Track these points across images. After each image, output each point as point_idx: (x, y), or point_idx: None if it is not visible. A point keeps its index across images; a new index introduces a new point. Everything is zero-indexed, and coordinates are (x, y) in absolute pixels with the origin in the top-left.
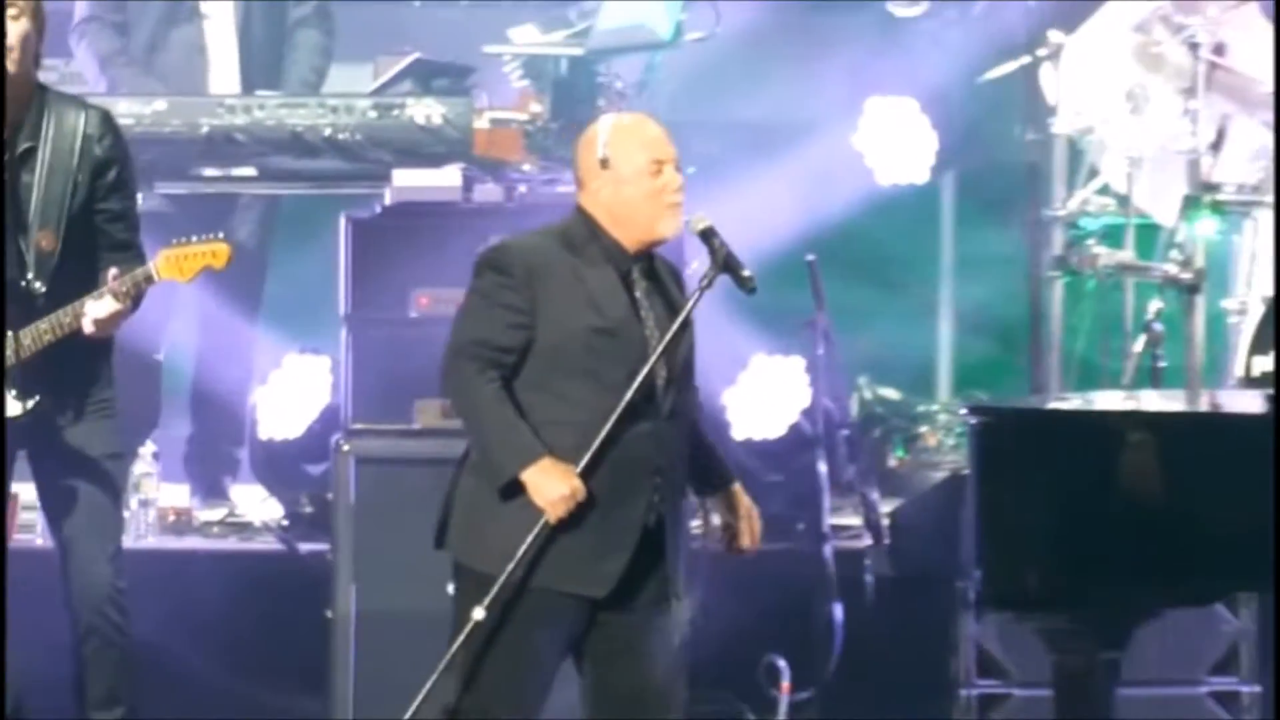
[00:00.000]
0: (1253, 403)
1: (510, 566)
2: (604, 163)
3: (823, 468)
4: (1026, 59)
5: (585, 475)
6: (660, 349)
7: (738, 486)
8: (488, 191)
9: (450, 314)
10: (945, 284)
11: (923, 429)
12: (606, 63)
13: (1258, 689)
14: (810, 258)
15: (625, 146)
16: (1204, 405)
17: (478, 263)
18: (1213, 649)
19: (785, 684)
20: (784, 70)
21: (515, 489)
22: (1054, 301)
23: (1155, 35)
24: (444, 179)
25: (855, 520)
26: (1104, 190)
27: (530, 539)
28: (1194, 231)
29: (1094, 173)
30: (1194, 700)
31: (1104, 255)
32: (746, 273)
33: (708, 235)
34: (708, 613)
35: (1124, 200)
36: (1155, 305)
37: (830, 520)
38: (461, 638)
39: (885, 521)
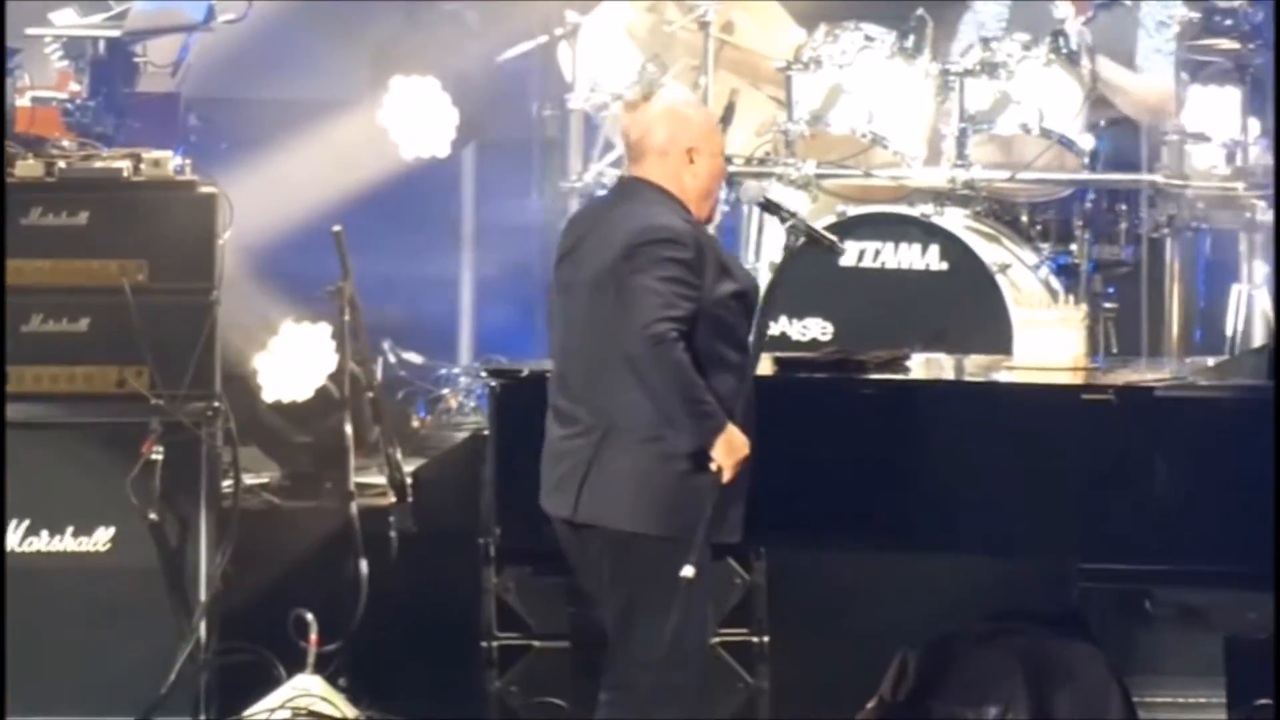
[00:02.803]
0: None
1: (703, 526)
2: (707, 136)
3: (349, 429)
4: (544, 38)
5: None
6: (763, 305)
7: None
8: (29, 167)
9: None
10: (466, 252)
11: (445, 391)
12: (142, 44)
13: (766, 639)
14: (336, 228)
15: (710, 126)
16: None
17: (651, 241)
18: (724, 601)
19: (314, 637)
20: (313, 51)
21: (690, 459)
22: None
23: (667, 14)
24: None
25: (380, 479)
26: (619, 162)
27: (713, 500)
28: None
29: (609, 146)
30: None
31: None
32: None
33: (774, 207)
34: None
35: None
36: None
37: (356, 479)
38: (682, 600)
39: (409, 480)
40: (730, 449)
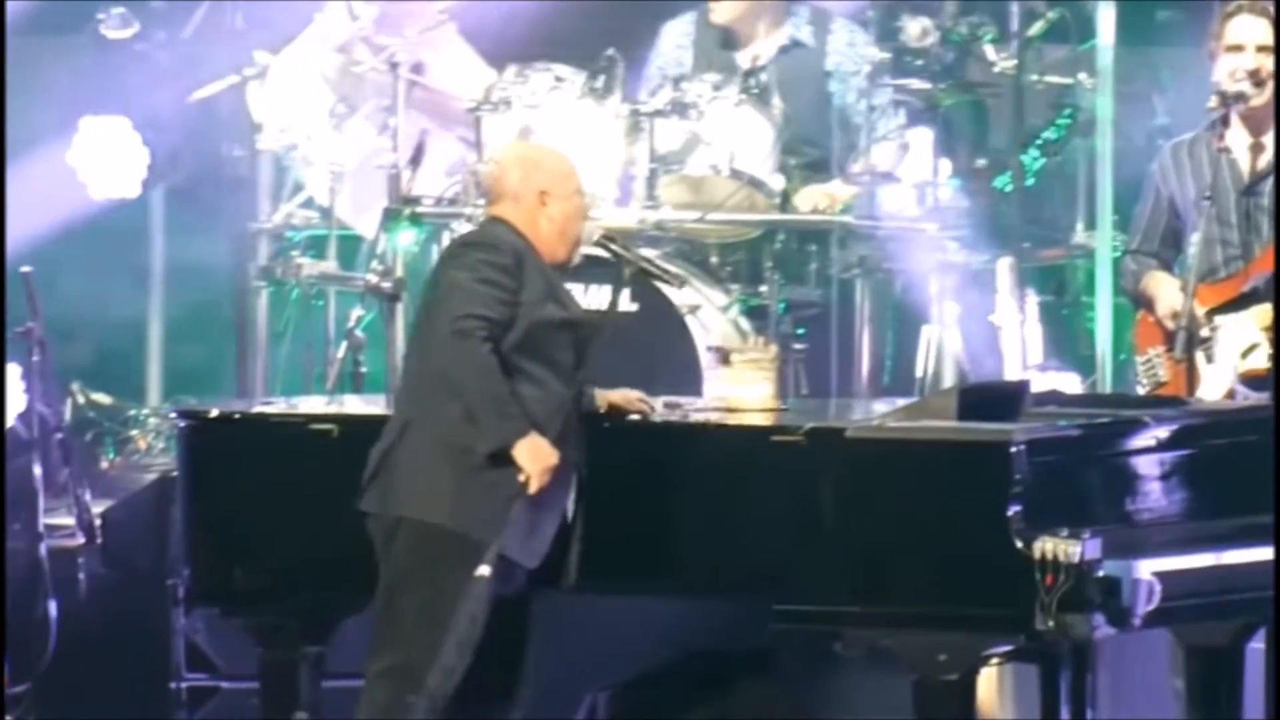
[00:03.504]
0: None
1: (503, 533)
2: (561, 179)
3: (38, 470)
4: (234, 79)
5: None
6: (596, 341)
7: None
8: None
9: None
10: (156, 292)
11: (134, 432)
12: None
13: None
14: (25, 269)
15: (564, 170)
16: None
17: (465, 243)
18: None
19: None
20: None
21: (488, 459)
22: (260, 310)
23: (357, 55)
24: None
25: (69, 520)
26: (308, 203)
27: (515, 507)
28: (394, 242)
29: (299, 187)
30: None
31: (307, 265)
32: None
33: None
34: None
35: (327, 213)
36: (357, 313)
37: (45, 520)
38: (477, 601)
39: (97, 521)
40: (535, 455)
